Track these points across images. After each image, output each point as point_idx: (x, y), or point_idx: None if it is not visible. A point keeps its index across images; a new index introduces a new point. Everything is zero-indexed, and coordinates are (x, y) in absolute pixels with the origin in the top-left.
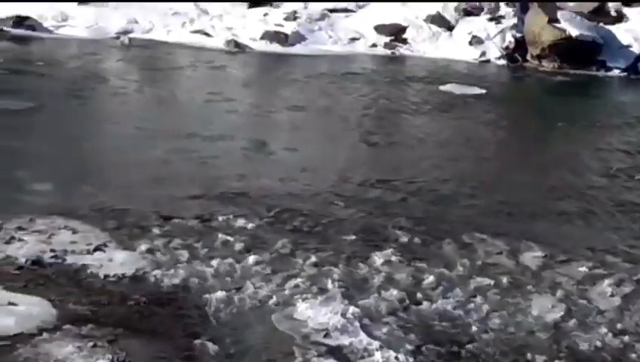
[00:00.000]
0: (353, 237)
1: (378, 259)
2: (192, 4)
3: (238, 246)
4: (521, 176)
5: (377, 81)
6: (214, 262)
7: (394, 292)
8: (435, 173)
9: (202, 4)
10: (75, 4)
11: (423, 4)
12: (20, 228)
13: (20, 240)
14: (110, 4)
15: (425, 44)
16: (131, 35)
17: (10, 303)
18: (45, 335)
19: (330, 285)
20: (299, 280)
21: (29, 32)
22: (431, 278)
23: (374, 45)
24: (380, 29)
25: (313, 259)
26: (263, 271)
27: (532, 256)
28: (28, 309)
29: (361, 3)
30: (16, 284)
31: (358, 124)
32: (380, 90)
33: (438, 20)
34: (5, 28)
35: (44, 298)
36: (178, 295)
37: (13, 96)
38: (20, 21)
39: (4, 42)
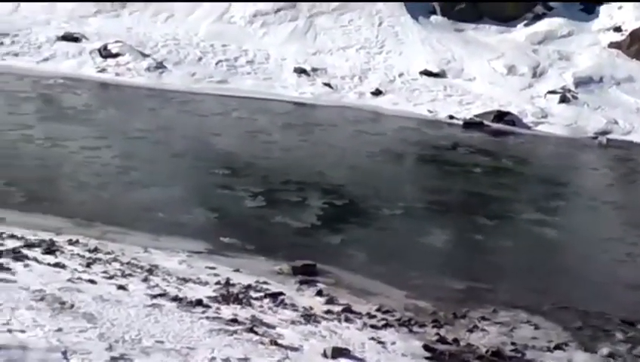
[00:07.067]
0: None
1: None
2: None
3: None
4: None
5: None
6: None
7: None
8: None
9: None
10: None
11: None
12: (483, 318)
13: (483, 329)
14: (591, 103)
15: None
16: (609, 136)
17: None
18: None
19: None
20: None
21: (508, 127)
22: None
23: None
24: None
25: None
26: None
27: None
28: None
29: None
30: None
31: None
32: None
33: None
34: (486, 122)
35: None
36: None
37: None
38: (500, 116)
39: (487, 135)
